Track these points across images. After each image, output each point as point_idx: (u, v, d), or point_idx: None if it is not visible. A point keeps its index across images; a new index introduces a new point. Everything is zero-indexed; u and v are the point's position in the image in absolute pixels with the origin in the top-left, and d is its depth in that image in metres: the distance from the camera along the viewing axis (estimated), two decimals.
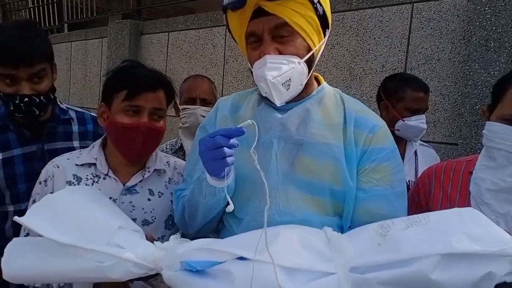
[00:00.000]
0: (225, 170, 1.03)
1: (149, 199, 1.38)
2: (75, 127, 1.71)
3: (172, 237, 1.08)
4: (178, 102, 2.13)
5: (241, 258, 0.89)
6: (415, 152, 2.05)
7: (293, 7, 1.05)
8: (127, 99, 1.27)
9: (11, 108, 1.48)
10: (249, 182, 1.12)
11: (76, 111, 1.76)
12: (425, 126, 1.97)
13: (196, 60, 4.03)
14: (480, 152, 1.20)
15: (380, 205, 1.09)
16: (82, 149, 1.44)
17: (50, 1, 6.89)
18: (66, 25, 6.54)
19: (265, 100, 1.18)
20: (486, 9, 2.28)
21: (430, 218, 0.89)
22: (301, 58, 1.08)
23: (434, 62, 2.60)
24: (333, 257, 0.88)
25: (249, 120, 1.01)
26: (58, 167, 1.37)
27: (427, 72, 2.62)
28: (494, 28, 2.25)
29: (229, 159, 1.02)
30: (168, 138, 4.44)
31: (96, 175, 1.36)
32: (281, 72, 1.06)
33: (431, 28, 2.61)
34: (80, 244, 0.98)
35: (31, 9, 7.39)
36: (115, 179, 1.36)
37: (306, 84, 1.14)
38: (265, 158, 1.12)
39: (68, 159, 1.39)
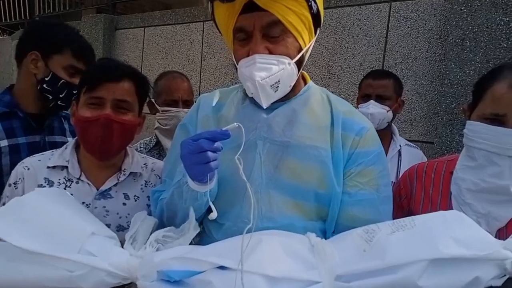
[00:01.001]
0: (208, 175, 0.98)
1: (124, 204, 1.32)
2: (66, 125, 1.73)
3: (148, 241, 1.02)
4: (154, 99, 2.09)
5: (222, 267, 0.85)
6: (399, 152, 2.05)
7: (287, 4, 0.99)
8: (88, 91, 1.22)
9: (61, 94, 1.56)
10: (230, 187, 1.08)
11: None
12: (370, 110, 1.98)
13: (172, 56, 3.96)
14: (456, 150, 1.20)
15: (365, 210, 1.06)
16: (54, 150, 1.37)
17: None
18: (37, 19, 6.33)
19: (250, 99, 1.13)
20: (463, 8, 2.30)
21: (415, 222, 0.88)
22: (292, 59, 1.03)
23: (411, 60, 2.62)
24: (318, 264, 0.85)
25: (236, 123, 0.95)
26: (28, 169, 1.29)
27: (404, 70, 2.64)
28: (470, 27, 2.28)
29: (213, 164, 0.96)
30: (143, 135, 4.36)
31: (69, 179, 1.29)
32: (270, 73, 1.00)
33: (408, 27, 2.63)
34: (49, 252, 0.92)
35: (1, 2, 7.13)
36: (88, 183, 1.29)
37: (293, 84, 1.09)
38: (247, 160, 1.07)
39: (39, 160, 1.32)
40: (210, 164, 0.95)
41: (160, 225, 1.18)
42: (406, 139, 2.46)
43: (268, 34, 1.02)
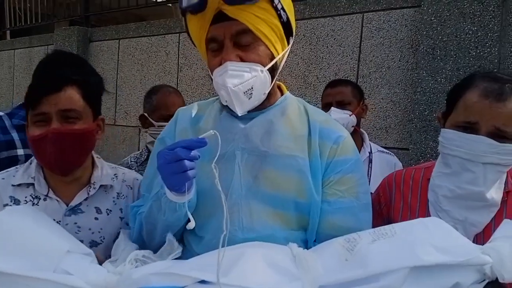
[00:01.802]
0: (186, 184, 0.97)
1: (96, 218, 1.28)
2: (14, 135, 1.70)
3: (128, 259, 0.99)
4: (147, 114, 2.08)
5: (203, 282, 0.83)
6: (370, 160, 2.08)
7: (256, 12, 1.00)
8: (31, 109, 1.17)
9: None
10: (210, 198, 1.06)
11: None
12: (332, 117, 2.01)
13: (148, 68, 3.93)
14: (430, 156, 1.23)
15: (345, 218, 1.07)
16: (18, 166, 1.30)
17: None
18: (8, 32, 6.19)
19: (227, 109, 1.13)
20: (432, 19, 2.37)
21: (396, 229, 0.89)
22: (264, 66, 1.04)
23: (384, 70, 2.68)
24: (301, 275, 0.84)
25: (211, 131, 0.95)
26: None
27: (378, 79, 2.69)
28: (440, 37, 2.35)
29: (190, 173, 0.95)
30: (121, 148, 4.29)
31: (36, 196, 1.24)
32: (242, 80, 1.00)
33: (381, 37, 2.68)
34: (23, 272, 0.88)
35: None
36: (57, 200, 1.24)
37: (269, 93, 1.09)
38: (227, 171, 1.07)
39: (3, 178, 1.26)
40: (188, 173, 0.94)
41: (140, 240, 1.16)
42: (382, 146, 2.50)
43: (239, 43, 1.02)
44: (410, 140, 2.52)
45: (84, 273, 0.93)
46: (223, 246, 0.83)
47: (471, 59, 2.26)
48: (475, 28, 2.25)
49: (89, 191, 1.28)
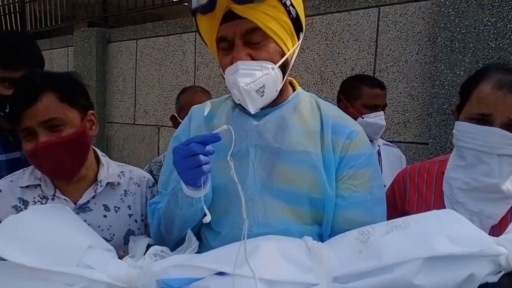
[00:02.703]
0: (202, 178, 0.99)
1: (105, 216, 1.29)
2: None
3: (147, 253, 1.02)
4: (177, 114, 2.12)
5: (220, 273, 0.85)
6: (378, 153, 2.07)
7: (265, 10, 1.01)
8: (16, 125, 1.16)
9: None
10: (225, 194, 1.08)
11: None
12: (383, 122, 2.02)
13: (166, 67, 3.98)
14: (450, 150, 1.22)
15: (360, 212, 1.07)
16: (26, 168, 1.32)
17: (12, 10, 6.68)
18: (30, 34, 6.34)
19: (239, 107, 1.14)
20: (450, 11, 2.34)
21: (409, 221, 0.89)
22: (275, 64, 1.04)
23: (401, 63, 2.65)
24: (315, 267, 0.86)
25: (225, 126, 0.97)
26: (0, 191, 1.26)
27: (395, 74, 2.67)
28: (458, 29, 2.32)
29: (205, 167, 0.97)
30: (140, 147, 4.35)
31: (44, 197, 1.25)
32: (254, 78, 1.01)
33: (397, 30, 2.66)
34: (48, 267, 0.92)
35: None
36: (64, 199, 1.26)
37: (281, 90, 1.10)
38: (241, 168, 1.08)
39: (11, 181, 1.28)
40: (203, 167, 0.96)
41: (158, 236, 1.19)
42: (401, 141, 2.48)
43: (249, 41, 1.03)
44: (429, 135, 2.49)
45: (106, 267, 0.96)
46: (245, 235, 0.86)
47: (490, 51, 2.23)
48: (494, 20, 2.21)
49: (96, 189, 1.29)
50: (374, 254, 0.84)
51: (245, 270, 0.82)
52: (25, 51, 1.55)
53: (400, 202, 1.32)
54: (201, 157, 0.95)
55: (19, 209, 1.23)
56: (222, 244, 0.99)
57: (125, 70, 4.32)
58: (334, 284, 0.83)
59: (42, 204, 1.24)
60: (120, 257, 1.05)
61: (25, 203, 1.24)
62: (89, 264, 0.95)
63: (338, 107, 2.09)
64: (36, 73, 1.22)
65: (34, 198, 1.25)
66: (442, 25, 2.37)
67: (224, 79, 1.09)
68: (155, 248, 1.02)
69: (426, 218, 0.89)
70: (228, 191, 1.06)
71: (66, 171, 1.23)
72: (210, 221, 1.00)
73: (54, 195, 1.26)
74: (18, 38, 1.60)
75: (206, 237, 1.14)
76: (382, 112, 2.02)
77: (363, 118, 1.97)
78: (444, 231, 0.83)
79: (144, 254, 1.01)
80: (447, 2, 2.35)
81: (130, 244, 1.12)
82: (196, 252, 1.01)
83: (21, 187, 1.26)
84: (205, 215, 0.99)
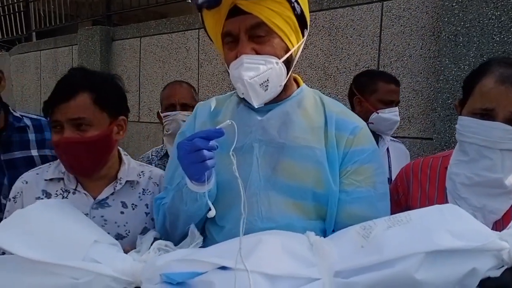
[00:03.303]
0: (206, 173, 1.00)
1: (122, 212, 1.32)
2: (31, 135, 1.64)
3: (151, 247, 1.04)
4: (160, 110, 2.14)
5: (223, 268, 0.86)
6: (387, 149, 2.07)
7: (270, 6, 1.02)
8: (50, 115, 1.23)
9: None
10: (229, 189, 1.09)
11: (31, 118, 1.69)
12: (398, 118, 2.00)
13: (169, 65, 3.99)
14: (455, 145, 1.22)
15: (363, 207, 1.07)
16: (52, 162, 1.38)
17: (16, 10, 6.71)
18: (34, 33, 6.38)
19: (244, 102, 1.15)
20: (454, 5, 2.33)
21: (411, 216, 0.89)
22: (279, 59, 1.06)
23: (405, 58, 2.64)
24: (317, 262, 0.86)
25: (228, 121, 0.97)
26: (26, 182, 1.32)
27: (399, 68, 2.66)
28: (462, 23, 2.30)
29: (209, 162, 0.98)
30: (145, 144, 4.37)
31: (66, 190, 1.31)
32: (258, 72, 1.02)
33: (401, 25, 2.65)
34: (54, 261, 0.93)
35: None
36: (84, 194, 1.31)
37: (285, 86, 1.11)
38: (245, 163, 1.09)
39: (37, 174, 1.34)
40: (207, 162, 0.97)
41: (163, 231, 1.20)
42: (406, 137, 2.47)
43: (254, 36, 1.04)
44: (434, 130, 2.48)
45: (111, 261, 0.97)
46: (242, 230, 0.86)
47: (495, 44, 2.21)
48: (499, 13, 2.19)
49: (116, 186, 1.33)
50: (376, 248, 0.84)
51: (248, 264, 0.82)
52: None
53: (403, 198, 1.32)
54: (205, 152, 0.96)
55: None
56: (226, 239, 1.00)
57: (129, 68, 4.34)
58: (335, 278, 0.84)
59: (63, 197, 1.29)
60: (126, 252, 1.06)
61: (48, 195, 1.30)
62: (95, 258, 0.97)
63: (351, 101, 2.09)
64: (78, 72, 1.28)
65: (56, 191, 1.31)
66: (446, 19, 2.36)
67: (228, 75, 1.10)
68: (159, 243, 1.03)
69: (428, 212, 0.89)
70: (232, 186, 1.07)
71: (84, 169, 1.27)
72: (214, 216, 1.01)
73: (75, 189, 1.31)
74: None
75: (210, 231, 1.15)
76: (397, 108, 2.01)
77: (378, 113, 1.95)
78: (445, 225, 0.83)
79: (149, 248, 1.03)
80: None
81: (137, 241, 1.14)
82: (200, 247, 1.02)
83: (45, 179, 1.31)
84: (209, 209, 1.00)
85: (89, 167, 1.27)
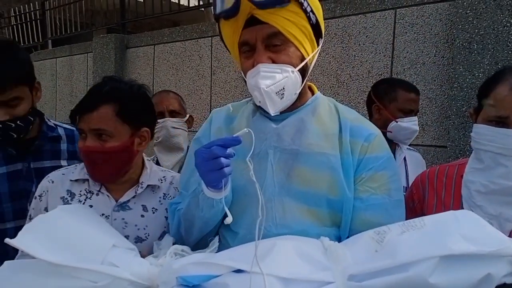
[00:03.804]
0: (223, 181, 1.02)
1: (142, 216, 1.36)
2: (63, 145, 1.67)
3: (168, 252, 1.05)
4: None
5: (238, 271, 0.87)
6: (404, 158, 2.06)
7: (286, 15, 1.04)
8: (78, 122, 1.28)
9: None
10: (244, 195, 1.11)
11: (65, 128, 1.72)
12: (417, 128, 1.98)
13: (183, 72, 4.03)
14: (470, 153, 1.21)
15: (378, 214, 1.08)
16: (78, 164, 1.42)
17: (33, 18, 6.86)
18: (50, 41, 6.51)
19: (260, 110, 1.17)
20: (468, 12, 2.32)
21: (425, 221, 0.89)
22: (295, 67, 1.07)
23: (419, 66, 2.64)
24: (331, 266, 0.87)
25: (246, 129, 0.99)
26: (52, 182, 1.36)
27: (413, 76, 2.65)
28: (476, 30, 2.29)
29: (226, 169, 1.00)
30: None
31: (89, 191, 1.35)
32: (274, 81, 1.04)
33: (414, 32, 2.64)
34: (74, 264, 0.95)
35: (14, 26, 7.36)
36: (107, 196, 1.35)
37: (300, 94, 1.12)
38: (260, 169, 1.11)
39: (63, 174, 1.39)
40: (224, 170, 0.99)
41: (178, 236, 1.22)
42: (419, 145, 2.46)
43: (270, 45, 1.06)
44: (448, 138, 2.47)
45: (128, 265, 0.99)
46: (259, 232, 0.87)
47: (510, 52, 2.20)
48: None
49: (137, 190, 1.36)
50: (389, 253, 0.84)
51: (262, 267, 0.83)
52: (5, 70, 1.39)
53: (418, 206, 1.32)
54: (222, 159, 0.98)
55: (66, 200, 1.32)
56: (240, 244, 1.01)
57: (143, 75, 4.39)
58: (349, 282, 0.84)
59: (87, 197, 1.34)
60: (143, 257, 1.08)
61: (72, 196, 1.34)
62: (113, 262, 0.98)
63: (369, 109, 2.07)
64: (109, 82, 1.33)
65: (80, 191, 1.35)
66: (460, 26, 2.36)
67: (241, 83, 1.12)
68: (176, 247, 1.05)
69: (442, 218, 0.89)
70: (247, 192, 1.09)
71: (104, 176, 1.32)
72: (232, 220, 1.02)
73: (99, 190, 1.35)
74: None
75: (224, 237, 1.16)
76: (416, 117, 1.98)
77: (397, 122, 1.93)
78: (460, 230, 0.83)
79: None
80: (464, 3, 2.33)
81: (154, 246, 1.16)
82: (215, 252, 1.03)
83: (71, 180, 1.36)
84: (226, 216, 1.01)
85: (108, 175, 1.31)
